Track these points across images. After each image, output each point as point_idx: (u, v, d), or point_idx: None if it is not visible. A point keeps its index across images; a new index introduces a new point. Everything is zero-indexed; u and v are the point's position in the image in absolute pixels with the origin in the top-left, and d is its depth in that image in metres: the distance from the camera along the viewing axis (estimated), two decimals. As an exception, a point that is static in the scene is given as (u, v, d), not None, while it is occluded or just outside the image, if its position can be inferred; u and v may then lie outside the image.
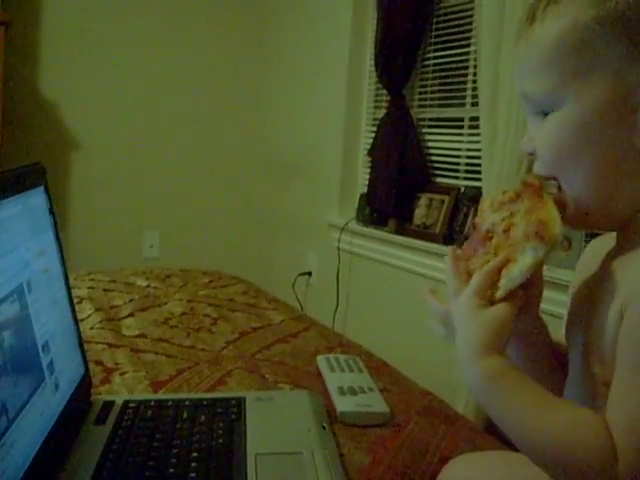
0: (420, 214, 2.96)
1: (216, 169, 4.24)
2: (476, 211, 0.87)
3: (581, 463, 0.67)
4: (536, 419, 0.70)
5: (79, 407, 1.13)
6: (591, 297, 0.79)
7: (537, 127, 0.79)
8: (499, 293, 0.77)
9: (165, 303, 1.93)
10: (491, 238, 0.81)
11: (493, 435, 1.28)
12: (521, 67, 0.80)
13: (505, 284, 0.77)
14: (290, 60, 4.06)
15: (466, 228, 2.71)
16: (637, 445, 0.64)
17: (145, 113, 3.99)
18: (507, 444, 1.23)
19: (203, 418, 1.13)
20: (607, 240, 0.85)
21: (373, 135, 3.24)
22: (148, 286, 2.13)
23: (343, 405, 1.24)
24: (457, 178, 2.92)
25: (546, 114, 0.77)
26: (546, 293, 0.86)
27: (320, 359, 1.48)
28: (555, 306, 1.26)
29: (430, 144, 3.09)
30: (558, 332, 0.94)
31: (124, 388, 1.32)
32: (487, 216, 0.83)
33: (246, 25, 4.24)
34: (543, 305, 0.87)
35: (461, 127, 2.92)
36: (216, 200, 4.25)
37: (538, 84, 0.77)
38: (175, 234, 4.14)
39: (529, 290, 0.81)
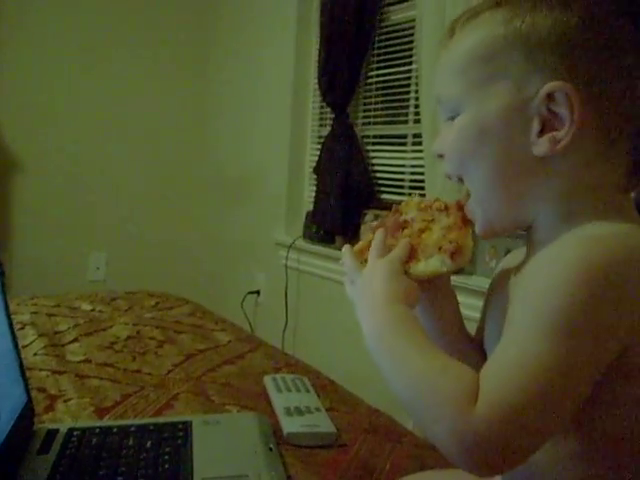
0: (366, 230, 2.98)
1: (162, 189, 4.21)
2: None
3: (436, 402, 0.70)
4: (413, 359, 0.75)
5: (21, 436, 1.11)
6: (503, 302, 0.82)
7: (447, 131, 0.85)
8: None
9: (110, 327, 1.91)
10: (404, 229, 0.90)
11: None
12: (438, 74, 0.87)
13: (412, 272, 0.86)
14: (235, 80, 4.06)
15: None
16: (505, 394, 0.66)
17: (89, 133, 3.94)
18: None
19: (149, 444, 1.12)
20: (518, 254, 0.91)
21: (318, 153, 3.26)
22: (93, 310, 2.10)
23: (290, 426, 1.24)
24: (402, 194, 2.95)
25: (454, 118, 0.84)
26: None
27: (267, 379, 1.48)
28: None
29: (375, 161, 3.12)
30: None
31: (68, 415, 1.30)
32: (410, 210, 0.91)
33: (190, 44, 4.24)
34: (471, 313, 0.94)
35: (404, 144, 2.96)
36: (163, 220, 4.21)
37: (449, 89, 0.84)
38: (122, 255, 4.09)
39: None
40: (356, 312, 0.87)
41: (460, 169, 0.84)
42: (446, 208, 0.88)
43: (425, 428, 0.72)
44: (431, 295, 0.94)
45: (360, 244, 0.92)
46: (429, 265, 0.85)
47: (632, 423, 0.73)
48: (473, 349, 0.98)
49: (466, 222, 0.86)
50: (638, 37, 0.76)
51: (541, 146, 0.76)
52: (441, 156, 0.87)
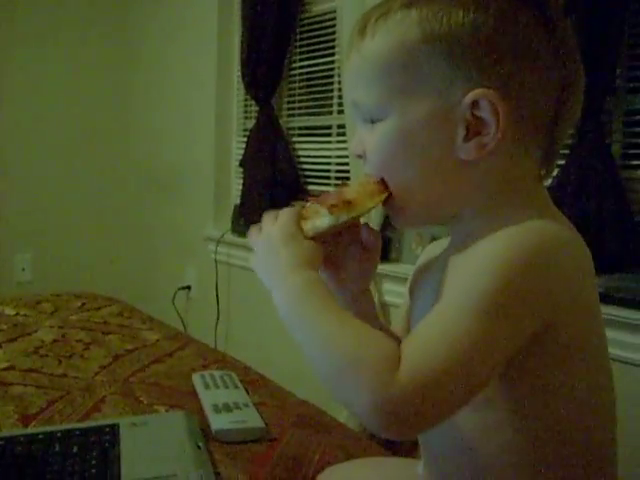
0: (294, 222, 2.99)
1: (86, 186, 4.13)
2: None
3: (357, 371, 0.70)
4: (329, 328, 0.75)
5: (-58, 450, 1.09)
6: (430, 290, 0.85)
7: (366, 133, 0.85)
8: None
9: (35, 331, 1.87)
10: None
11: (371, 438, 1.33)
12: (352, 77, 0.86)
13: (306, 230, 0.84)
14: (158, 74, 4.02)
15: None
16: (426, 362, 0.68)
17: (7, 130, 3.85)
18: (386, 449, 1.28)
19: (76, 449, 1.11)
20: (442, 242, 0.94)
21: (244, 146, 3.26)
22: (17, 314, 2.05)
23: (218, 423, 1.25)
24: (329, 185, 2.97)
25: (374, 122, 0.83)
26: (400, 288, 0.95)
27: (195, 377, 1.48)
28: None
29: (301, 152, 3.13)
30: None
31: (-8, 425, 1.28)
32: (352, 184, 0.87)
33: (111, 40, 4.17)
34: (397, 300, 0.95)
35: (329, 135, 2.98)
36: (90, 218, 4.14)
37: (367, 96, 0.83)
38: (48, 255, 4.01)
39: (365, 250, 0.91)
40: (264, 282, 0.86)
41: (383, 172, 0.84)
42: (381, 182, 0.85)
43: (342, 395, 0.73)
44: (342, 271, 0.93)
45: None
46: (313, 222, 0.84)
47: (555, 396, 0.77)
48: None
49: (382, 190, 0.84)
50: (547, 34, 0.78)
51: (468, 151, 0.78)
52: (360, 157, 0.87)
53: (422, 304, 0.89)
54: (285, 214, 0.85)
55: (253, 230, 0.89)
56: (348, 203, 0.82)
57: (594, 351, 0.80)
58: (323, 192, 0.88)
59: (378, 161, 0.84)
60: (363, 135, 0.86)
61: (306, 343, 0.77)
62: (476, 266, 0.72)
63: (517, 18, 0.76)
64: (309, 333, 0.77)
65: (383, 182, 0.84)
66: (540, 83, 0.78)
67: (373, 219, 2.46)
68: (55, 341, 1.79)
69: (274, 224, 0.85)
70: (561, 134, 0.83)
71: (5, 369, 1.57)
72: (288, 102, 3.22)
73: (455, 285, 0.74)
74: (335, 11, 2.79)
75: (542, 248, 0.71)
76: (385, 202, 0.85)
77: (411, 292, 0.98)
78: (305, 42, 3.09)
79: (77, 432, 1.18)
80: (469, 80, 0.76)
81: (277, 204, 3.07)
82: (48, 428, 1.24)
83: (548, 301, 0.72)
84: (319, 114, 3.07)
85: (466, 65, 0.76)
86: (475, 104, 0.76)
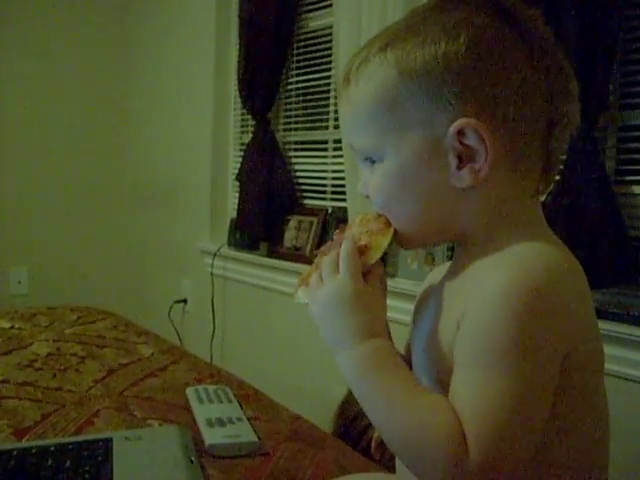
0: (290, 236, 3.00)
1: (84, 199, 4.13)
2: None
3: (431, 453, 0.71)
4: (395, 403, 0.74)
5: None
6: (431, 312, 0.86)
7: (368, 173, 0.87)
8: None
9: (30, 344, 1.88)
10: None
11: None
12: (346, 123, 0.90)
13: None
14: (155, 89, 4.03)
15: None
16: (488, 431, 0.69)
17: (4, 145, 3.85)
18: (376, 462, 1.27)
19: (68, 463, 1.11)
20: (445, 266, 0.94)
21: (240, 160, 3.26)
22: (12, 327, 2.06)
23: (211, 437, 1.25)
24: (324, 199, 2.98)
25: (374, 161, 0.85)
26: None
27: (189, 391, 1.49)
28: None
29: (297, 167, 3.14)
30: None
31: (-15, 439, 1.28)
32: (353, 226, 0.89)
33: (110, 54, 4.19)
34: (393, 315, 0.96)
35: (326, 149, 2.99)
36: (87, 232, 4.14)
37: (362, 140, 0.85)
38: (44, 268, 4.01)
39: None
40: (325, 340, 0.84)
41: (385, 210, 0.85)
42: (379, 215, 0.87)
43: (416, 471, 0.74)
44: None
45: (308, 270, 0.90)
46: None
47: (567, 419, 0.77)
48: None
49: (388, 224, 0.86)
50: (524, 46, 0.78)
51: (462, 179, 0.78)
52: (368, 197, 0.88)
53: (421, 328, 0.89)
54: (351, 267, 0.82)
55: (312, 279, 0.85)
56: (367, 249, 0.84)
57: (598, 369, 0.80)
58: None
59: (381, 202, 0.85)
60: (366, 176, 0.88)
61: (374, 412, 0.77)
62: (479, 315, 0.72)
63: (491, 41, 0.77)
64: (377, 405, 0.77)
65: (386, 218, 0.86)
66: (526, 101, 0.78)
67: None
68: (50, 354, 1.79)
69: (338, 277, 0.82)
70: (557, 147, 0.83)
71: (-1, 382, 1.57)
72: (285, 117, 3.23)
73: (467, 339, 0.74)
74: (332, 27, 2.80)
75: (547, 274, 0.72)
76: None
77: (414, 315, 0.98)
78: (302, 57, 3.11)
79: (70, 446, 1.18)
80: (451, 110, 0.77)
81: (273, 219, 3.08)
82: (41, 442, 1.24)
83: (564, 326, 0.72)
84: (315, 129, 3.08)
85: (445, 96, 0.77)
86: (461, 133, 0.77)
